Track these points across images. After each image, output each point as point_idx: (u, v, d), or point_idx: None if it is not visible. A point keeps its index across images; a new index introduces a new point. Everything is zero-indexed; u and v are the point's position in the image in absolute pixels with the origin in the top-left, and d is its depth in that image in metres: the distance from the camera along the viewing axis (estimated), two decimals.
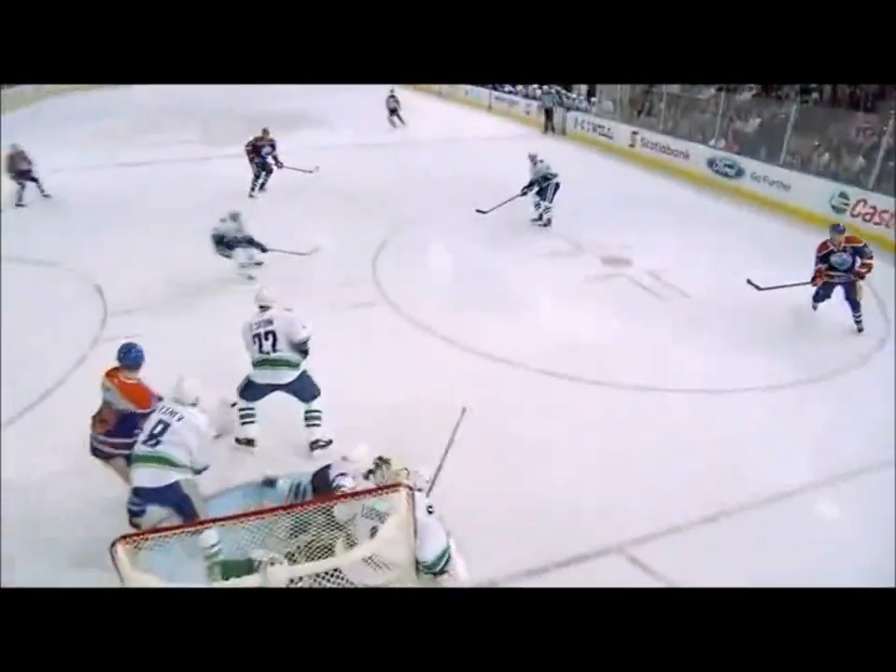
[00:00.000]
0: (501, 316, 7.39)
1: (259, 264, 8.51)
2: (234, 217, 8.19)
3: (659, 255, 9.17)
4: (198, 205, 10.87)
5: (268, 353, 4.94)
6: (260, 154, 12.09)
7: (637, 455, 5.13)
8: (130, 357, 4.26)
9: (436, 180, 13.16)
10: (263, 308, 5.05)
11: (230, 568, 2.92)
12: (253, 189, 12.12)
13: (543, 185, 10.35)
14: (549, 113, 18.28)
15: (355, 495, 3.21)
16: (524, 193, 10.46)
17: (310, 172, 12.14)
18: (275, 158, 12.01)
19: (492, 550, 4.14)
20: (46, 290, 8.28)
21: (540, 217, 10.60)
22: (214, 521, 3.13)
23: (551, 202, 10.51)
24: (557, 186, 10.41)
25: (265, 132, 12.28)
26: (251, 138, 12.19)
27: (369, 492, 3.19)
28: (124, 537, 2.97)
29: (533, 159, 10.53)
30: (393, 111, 18.95)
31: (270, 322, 4.96)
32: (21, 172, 11.56)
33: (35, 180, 11.78)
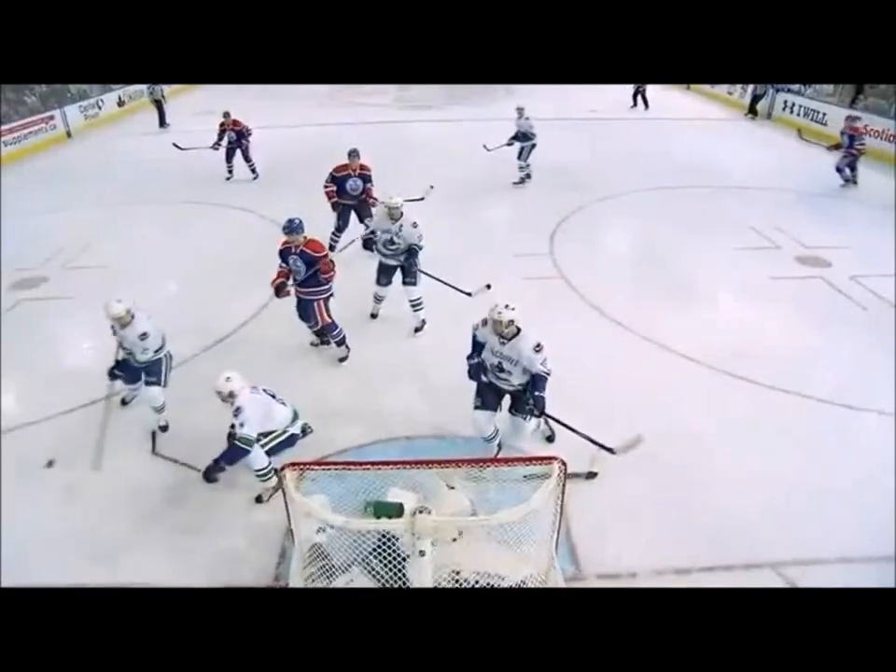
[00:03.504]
0: (678, 305, 7.02)
1: None
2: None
3: (867, 258, 8.18)
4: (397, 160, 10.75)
5: None
6: (221, 139, 11.46)
7: (812, 472, 4.69)
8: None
9: (633, 159, 12.72)
10: None
11: (381, 509, 3.07)
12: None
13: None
14: (757, 97, 16.59)
15: (508, 461, 3.23)
16: (509, 144, 10.87)
17: (421, 199, 8.06)
18: (369, 194, 8.10)
19: (636, 541, 4.09)
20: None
21: (521, 180, 11.10)
22: (371, 464, 3.31)
23: (525, 161, 10.99)
24: (533, 146, 10.87)
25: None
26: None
27: (522, 459, 3.20)
28: (292, 464, 3.25)
29: (520, 112, 10.68)
30: (640, 92, 17.65)
31: None
32: (231, 142, 11.54)
33: (247, 158, 11.67)
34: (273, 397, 4.54)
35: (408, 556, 3.06)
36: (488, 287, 6.08)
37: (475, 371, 4.57)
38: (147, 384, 5.16)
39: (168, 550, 4.17)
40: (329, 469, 3.37)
